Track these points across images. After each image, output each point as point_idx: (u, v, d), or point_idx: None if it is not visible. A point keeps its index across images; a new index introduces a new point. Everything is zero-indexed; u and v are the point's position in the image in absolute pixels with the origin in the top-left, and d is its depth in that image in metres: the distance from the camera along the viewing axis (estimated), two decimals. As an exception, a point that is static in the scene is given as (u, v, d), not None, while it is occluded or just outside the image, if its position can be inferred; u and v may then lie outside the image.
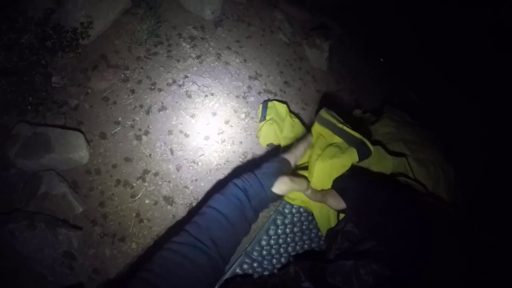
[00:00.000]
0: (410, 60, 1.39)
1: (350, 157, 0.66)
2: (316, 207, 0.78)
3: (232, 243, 0.57)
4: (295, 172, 0.68)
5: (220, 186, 0.92)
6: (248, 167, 0.75)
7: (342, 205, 0.65)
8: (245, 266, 0.81)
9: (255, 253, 0.82)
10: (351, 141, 0.68)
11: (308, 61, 1.20)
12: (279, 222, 0.84)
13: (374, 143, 0.71)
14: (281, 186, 0.61)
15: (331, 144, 0.70)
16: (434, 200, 0.85)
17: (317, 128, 0.73)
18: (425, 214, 0.61)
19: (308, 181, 0.66)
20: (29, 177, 0.89)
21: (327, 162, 0.66)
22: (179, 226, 0.91)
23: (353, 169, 0.69)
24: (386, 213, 0.61)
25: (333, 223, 0.77)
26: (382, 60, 1.44)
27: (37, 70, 0.95)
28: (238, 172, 0.78)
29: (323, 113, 0.73)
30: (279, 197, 0.64)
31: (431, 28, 1.41)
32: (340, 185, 0.66)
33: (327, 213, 0.78)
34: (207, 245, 0.52)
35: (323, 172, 0.66)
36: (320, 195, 0.66)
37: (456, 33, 1.35)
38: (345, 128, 0.69)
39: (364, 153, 0.67)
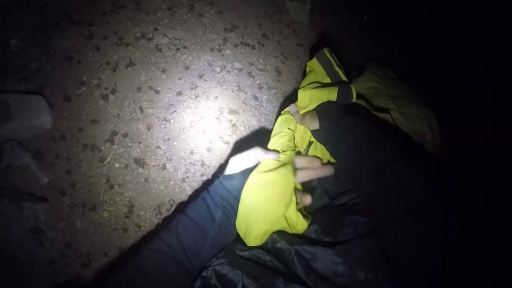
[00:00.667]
0: (395, 21, 1.29)
1: (329, 93, 0.66)
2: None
3: (201, 247, 0.53)
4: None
5: (194, 145, 0.85)
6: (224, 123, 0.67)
7: (315, 125, 0.63)
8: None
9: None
10: (337, 82, 0.70)
11: (288, 14, 1.09)
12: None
13: (357, 97, 0.70)
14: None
15: (319, 82, 0.71)
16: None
17: (313, 63, 0.74)
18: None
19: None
20: (-10, 151, 0.82)
21: (306, 91, 0.67)
22: (151, 189, 0.83)
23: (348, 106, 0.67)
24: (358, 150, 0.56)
25: None
26: (365, 18, 1.33)
27: (-8, 33, 0.87)
28: (214, 129, 0.69)
29: (326, 51, 0.73)
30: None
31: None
32: (320, 108, 0.65)
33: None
34: (175, 250, 0.50)
35: (302, 99, 0.68)
36: (301, 115, 0.67)
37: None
38: (339, 72, 0.70)
39: (344, 96, 0.66)
